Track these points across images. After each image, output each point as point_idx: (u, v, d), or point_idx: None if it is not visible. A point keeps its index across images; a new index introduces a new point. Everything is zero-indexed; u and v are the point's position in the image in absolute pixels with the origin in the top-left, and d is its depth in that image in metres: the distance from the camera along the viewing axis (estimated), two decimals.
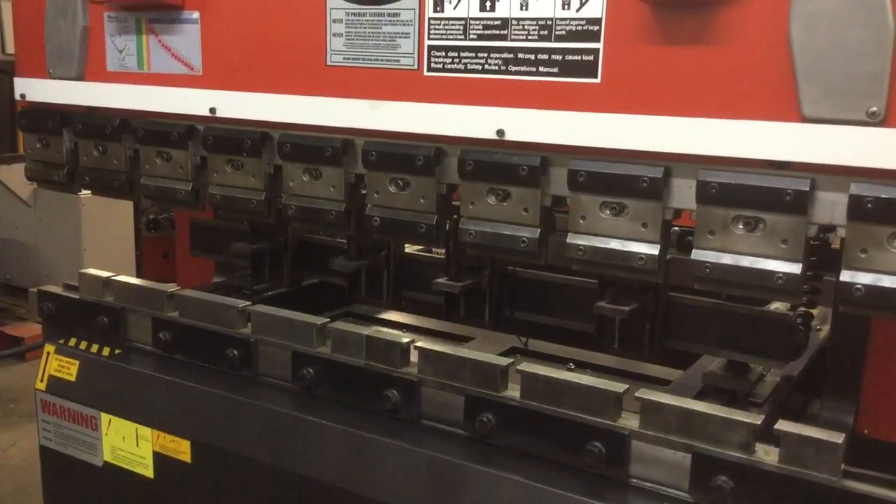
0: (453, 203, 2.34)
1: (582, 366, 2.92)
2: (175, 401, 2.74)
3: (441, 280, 2.62)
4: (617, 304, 2.35)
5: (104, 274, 3.05)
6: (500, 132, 2.09)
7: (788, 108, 1.78)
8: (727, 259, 1.89)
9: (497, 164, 2.14)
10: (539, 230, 2.13)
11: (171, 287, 2.90)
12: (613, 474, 2.08)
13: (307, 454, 2.46)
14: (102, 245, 7.45)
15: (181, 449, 2.69)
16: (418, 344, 2.40)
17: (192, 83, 2.63)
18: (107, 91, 2.81)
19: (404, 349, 2.41)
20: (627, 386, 2.12)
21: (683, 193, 1.94)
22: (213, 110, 2.56)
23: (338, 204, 2.44)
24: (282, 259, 3.04)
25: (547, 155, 2.10)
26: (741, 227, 1.86)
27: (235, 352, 2.68)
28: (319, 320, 2.57)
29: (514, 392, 2.25)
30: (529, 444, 2.20)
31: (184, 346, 2.82)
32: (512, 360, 2.29)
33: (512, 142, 2.10)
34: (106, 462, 2.91)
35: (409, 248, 3.00)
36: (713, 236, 1.90)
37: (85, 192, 7.78)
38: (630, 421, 2.10)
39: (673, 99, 1.91)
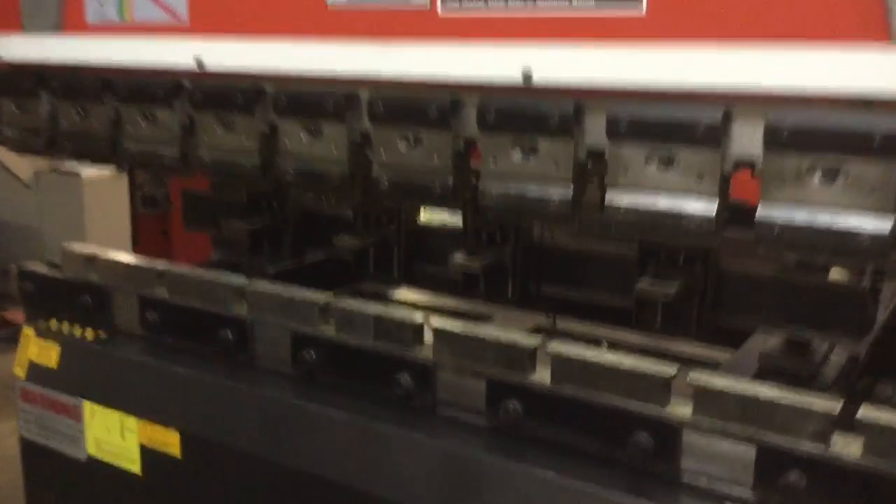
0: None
1: (611, 346, 2.62)
2: (163, 388, 2.47)
3: (459, 257, 2.32)
4: (660, 278, 2.05)
5: (89, 250, 2.78)
6: (527, 74, 1.79)
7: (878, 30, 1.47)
8: (801, 216, 1.58)
9: (523, 112, 1.84)
10: (572, 188, 1.84)
11: (161, 264, 2.62)
12: (662, 470, 1.79)
13: (308, 447, 2.18)
14: (106, 226, 7.18)
15: (169, 441, 2.42)
16: (433, 322, 2.11)
17: (177, 33, 2.34)
18: (86, 46, 2.52)
19: (417, 329, 2.13)
20: (678, 368, 1.83)
21: (747, 140, 1.64)
22: (199, 62, 2.27)
23: (341, 166, 2.15)
24: (282, 234, 2.75)
25: (581, 100, 1.80)
26: (821, 176, 1.56)
27: (230, 333, 2.40)
28: (322, 297, 2.29)
29: (543, 376, 1.96)
30: (562, 435, 1.91)
31: (174, 328, 2.55)
32: (540, 339, 1.99)
33: (540, 86, 1.80)
34: (90, 456, 2.64)
35: (423, 219, 2.70)
36: (783, 189, 1.59)
37: (87, 173, 7.50)
38: (681, 409, 1.81)
39: (733, 24, 1.61)
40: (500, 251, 2.32)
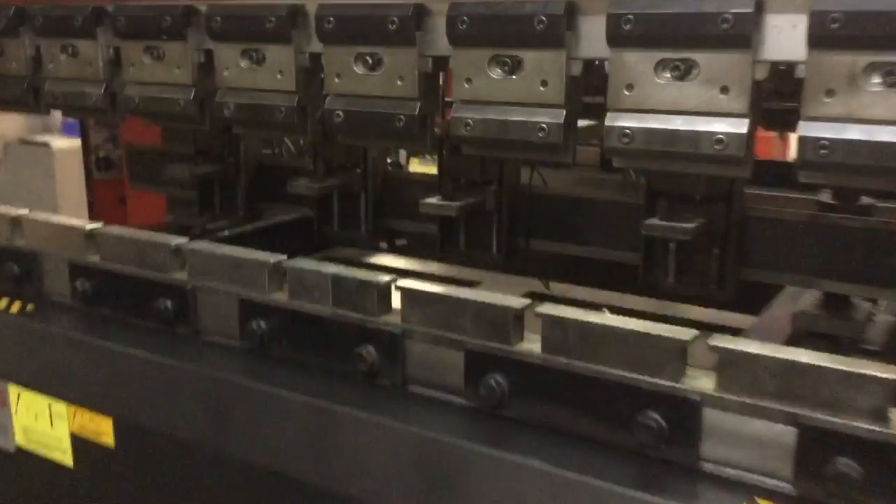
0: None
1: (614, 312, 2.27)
2: (95, 368, 2.12)
3: (431, 200, 1.97)
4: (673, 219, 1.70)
5: (14, 211, 2.43)
6: None
7: None
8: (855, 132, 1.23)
9: (505, 17, 1.48)
10: (564, 112, 1.48)
11: (91, 224, 2.26)
12: (678, 457, 1.45)
13: (258, 435, 1.84)
14: (78, 198, 6.83)
15: (102, 429, 2.08)
16: (401, 284, 1.76)
17: None
18: None
19: (383, 291, 1.78)
20: (696, 333, 1.48)
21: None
22: None
23: (288, 97, 1.79)
24: (234, 188, 2.39)
25: None
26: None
27: (168, 303, 2.05)
28: (273, 258, 1.94)
29: (532, 345, 1.62)
30: (555, 416, 1.57)
31: (107, 297, 2.20)
32: (528, 302, 1.65)
33: None
34: (19, 447, 2.30)
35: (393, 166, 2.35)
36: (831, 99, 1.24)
37: (57, 144, 7.11)
38: (701, 381, 1.47)
39: None
40: (482, 195, 1.96)
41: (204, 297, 2.05)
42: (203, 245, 2.06)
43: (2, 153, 7.28)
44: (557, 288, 2.42)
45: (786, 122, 4.23)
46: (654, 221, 1.69)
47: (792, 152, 7.16)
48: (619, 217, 1.92)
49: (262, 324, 1.92)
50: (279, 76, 1.78)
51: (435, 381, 1.74)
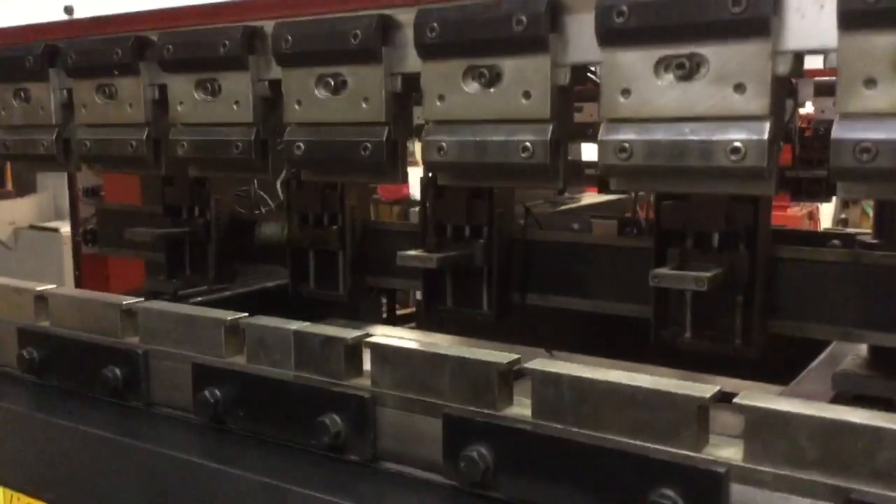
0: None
1: None
2: (33, 447, 1.87)
3: (409, 252, 1.73)
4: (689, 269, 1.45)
5: None
6: None
7: None
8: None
9: (480, 21, 1.27)
10: (550, 128, 1.26)
11: (42, 287, 2.05)
12: None
13: None
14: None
15: None
16: (372, 339, 1.51)
17: None
18: None
19: (351, 349, 1.53)
20: (716, 388, 1.21)
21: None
22: (69, 10, 1.74)
23: (245, 130, 1.59)
24: (205, 247, 2.17)
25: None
26: None
27: (118, 370, 1.81)
28: (230, 315, 1.70)
29: (522, 409, 1.35)
30: (549, 496, 1.29)
31: (55, 366, 1.96)
32: (515, 356, 1.39)
33: None
34: None
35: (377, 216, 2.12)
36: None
37: (66, 228, 7.02)
38: (726, 449, 1.19)
39: None
40: (470, 246, 1.72)
41: (157, 362, 1.80)
42: (155, 304, 1.83)
43: (13, 239, 7.19)
44: (560, 356, 2.15)
45: (812, 192, 3.93)
46: (664, 271, 1.44)
47: (821, 227, 6.83)
48: (628, 264, 1.67)
49: (217, 392, 1.66)
50: (235, 107, 1.58)
51: (410, 456, 1.47)
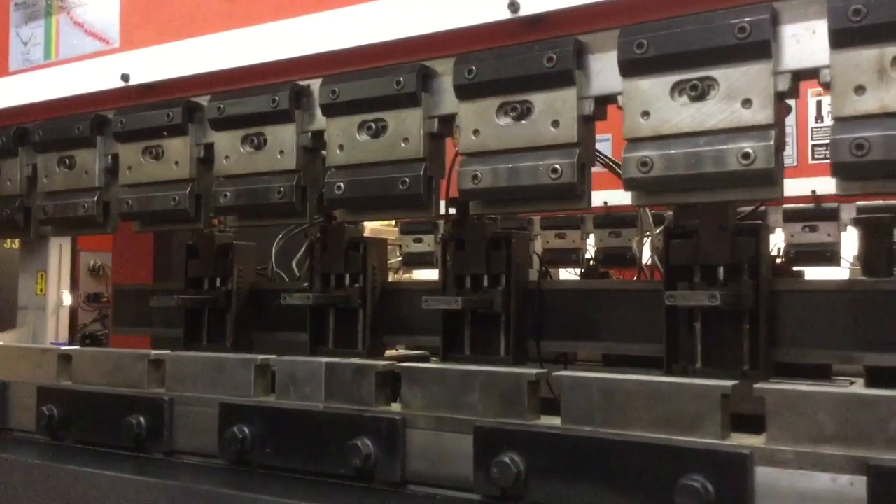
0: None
1: None
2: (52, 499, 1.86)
3: (435, 297, 1.83)
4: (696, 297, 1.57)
5: None
6: (514, 5, 1.42)
7: None
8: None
9: (514, 61, 1.46)
10: (577, 151, 1.41)
11: (67, 348, 2.11)
12: None
13: None
14: None
15: None
16: (404, 364, 1.59)
17: (104, 55, 2.01)
18: (4, 87, 2.18)
19: (381, 376, 1.61)
20: (735, 382, 1.31)
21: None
22: (125, 77, 1.91)
23: (288, 176, 1.73)
24: (224, 315, 2.25)
25: (582, 38, 1.43)
26: None
27: (141, 419, 1.85)
28: (260, 356, 1.77)
29: (549, 419, 1.43)
30: (577, 495, 1.34)
31: (76, 422, 1.99)
32: (544, 370, 1.48)
33: (532, 17, 1.43)
34: None
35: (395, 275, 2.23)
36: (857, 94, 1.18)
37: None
38: (749, 437, 1.27)
39: None
40: (489, 294, 1.84)
41: (182, 408, 1.85)
42: (184, 353, 1.90)
43: None
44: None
45: None
46: (678, 292, 1.56)
47: None
48: (638, 306, 1.79)
49: (245, 429, 1.71)
50: (279, 156, 1.73)
51: (438, 476, 1.52)
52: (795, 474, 1.21)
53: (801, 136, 3.77)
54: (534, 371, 1.45)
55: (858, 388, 1.22)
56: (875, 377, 1.61)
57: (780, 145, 1.26)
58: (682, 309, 1.63)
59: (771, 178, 1.26)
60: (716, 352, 1.62)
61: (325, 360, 1.67)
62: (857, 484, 1.16)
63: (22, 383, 2.12)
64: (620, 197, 3.15)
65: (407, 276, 4.85)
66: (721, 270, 1.60)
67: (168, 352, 1.93)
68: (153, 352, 1.94)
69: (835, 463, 1.19)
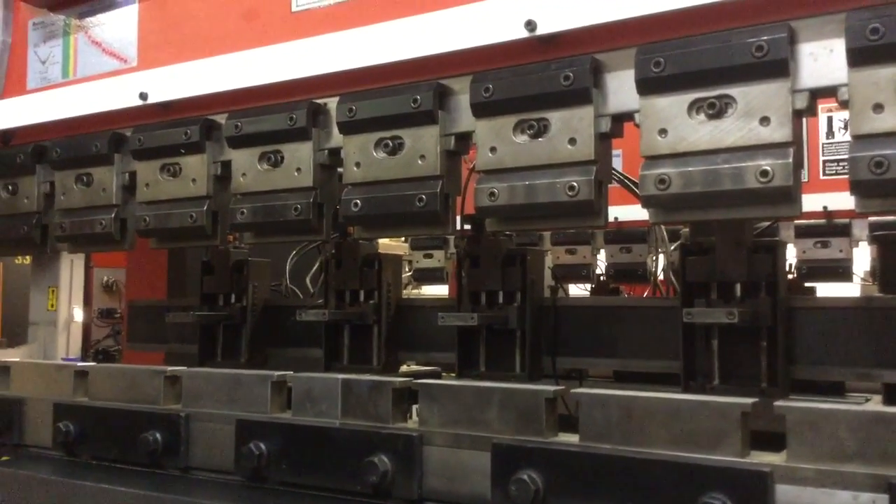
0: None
1: None
2: None
3: (451, 314, 1.84)
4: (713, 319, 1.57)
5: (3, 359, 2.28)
6: (531, 24, 1.43)
7: None
8: None
9: (531, 79, 1.47)
10: (595, 168, 1.42)
11: (83, 364, 2.12)
12: None
13: None
14: None
15: None
16: (420, 381, 1.59)
17: (122, 73, 2.03)
18: (22, 106, 2.20)
19: (398, 392, 1.61)
20: (754, 400, 1.31)
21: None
22: (143, 95, 1.93)
23: (305, 193, 1.74)
24: (239, 331, 2.26)
25: (598, 56, 1.44)
26: None
27: (157, 435, 1.86)
28: (276, 372, 1.78)
29: (568, 436, 1.43)
30: None
31: (92, 438, 1.99)
32: (561, 387, 1.48)
33: (549, 36, 1.44)
34: None
35: (408, 293, 2.24)
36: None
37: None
38: (769, 455, 1.27)
39: None
40: (504, 310, 1.84)
41: (198, 425, 1.85)
42: (200, 370, 1.91)
43: None
44: None
45: None
46: (696, 309, 1.56)
47: None
48: (653, 323, 1.79)
49: (261, 445, 1.71)
50: (296, 174, 1.74)
51: (455, 493, 1.52)
52: (816, 492, 1.21)
53: (813, 152, 3.77)
54: (552, 388, 1.45)
55: (879, 405, 1.21)
56: (894, 394, 1.60)
57: (799, 163, 1.27)
58: (699, 326, 1.62)
59: (790, 195, 1.26)
60: (733, 369, 1.62)
61: (341, 376, 1.68)
62: (879, 502, 1.16)
63: (38, 400, 2.13)
64: (631, 212, 3.19)
65: (416, 291, 4.86)
66: (738, 287, 1.60)
67: (184, 368, 1.94)
68: (169, 368, 1.95)
69: (856, 481, 1.18)
